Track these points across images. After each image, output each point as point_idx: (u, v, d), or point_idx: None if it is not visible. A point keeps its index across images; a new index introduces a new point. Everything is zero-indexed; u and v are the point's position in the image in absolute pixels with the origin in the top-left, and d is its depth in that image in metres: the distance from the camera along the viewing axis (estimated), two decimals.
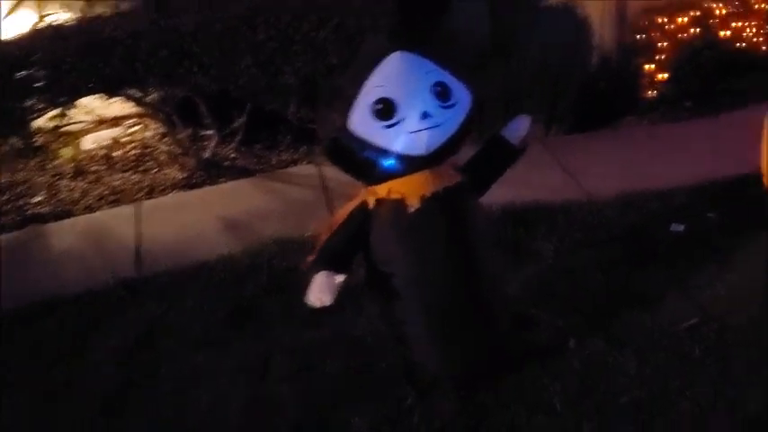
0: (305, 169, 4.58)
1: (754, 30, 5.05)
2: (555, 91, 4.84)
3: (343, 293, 2.19)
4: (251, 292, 3.20)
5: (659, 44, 4.90)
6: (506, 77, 4.92)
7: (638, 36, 5.00)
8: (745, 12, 5.04)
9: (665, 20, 4.90)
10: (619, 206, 3.70)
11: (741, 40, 5.02)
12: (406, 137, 2.17)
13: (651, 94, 4.97)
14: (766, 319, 2.50)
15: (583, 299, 2.94)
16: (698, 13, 4.89)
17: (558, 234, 3.54)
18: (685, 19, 4.88)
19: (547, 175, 4.22)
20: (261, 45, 4.23)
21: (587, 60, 5.15)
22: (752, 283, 2.77)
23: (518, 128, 2.52)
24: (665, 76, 4.93)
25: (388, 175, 2.24)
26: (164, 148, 5.09)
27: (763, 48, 5.02)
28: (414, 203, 2.23)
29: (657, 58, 4.92)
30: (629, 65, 4.99)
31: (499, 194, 3.75)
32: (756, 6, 5.11)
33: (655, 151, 4.39)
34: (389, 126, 2.16)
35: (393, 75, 2.20)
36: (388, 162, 2.21)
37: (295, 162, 4.73)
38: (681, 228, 3.34)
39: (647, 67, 4.95)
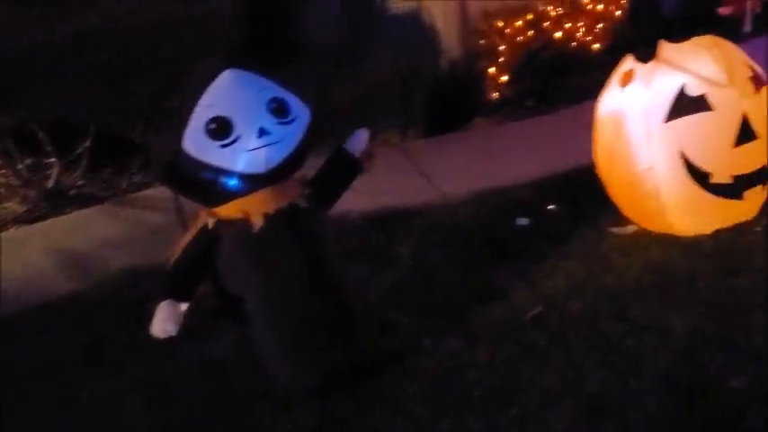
0: (158, 192, 4.42)
1: (584, 30, 5.42)
2: (407, 96, 4.97)
3: (199, 318, 2.12)
4: (102, 328, 3.04)
5: (499, 47, 5.15)
6: (359, 84, 5.00)
7: (480, 40, 5.23)
8: (575, 13, 5.40)
9: (503, 24, 5.15)
10: (472, 205, 3.85)
11: (574, 39, 5.37)
12: (244, 155, 2.15)
13: (496, 95, 5.22)
14: (599, 303, 2.69)
15: (441, 298, 3.03)
16: (532, 17, 5.17)
17: (417, 237, 3.63)
18: (521, 22, 5.15)
19: (405, 179, 4.33)
20: (99, 65, 4.05)
21: (436, 65, 5.33)
22: (586, 270, 2.97)
23: (358, 141, 2.57)
24: (507, 78, 5.18)
25: (230, 196, 2.21)
26: (1, 180, 4.74)
27: (594, 46, 5.40)
28: (258, 222, 2.22)
29: (499, 60, 5.16)
30: (473, 68, 5.20)
31: (359, 201, 3.83)
32: (587, 7, 5.49)
33: (503, 150, 4.62)
34: (226, 145, 2.14)
35: (226, 93, 2.18)
36: (228, 182, 2.18)
37: (147, 185, 4.55)
38: (526, 222, 3.52)
39: (490, 70, 5.18)
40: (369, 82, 5.00)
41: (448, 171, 4.37)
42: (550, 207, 3.65)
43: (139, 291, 3.19)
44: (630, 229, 3.25)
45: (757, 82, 2.91)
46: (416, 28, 5.87)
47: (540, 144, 4.54)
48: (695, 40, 2.93)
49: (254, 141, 2.14)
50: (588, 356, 2.42)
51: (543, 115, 5.06)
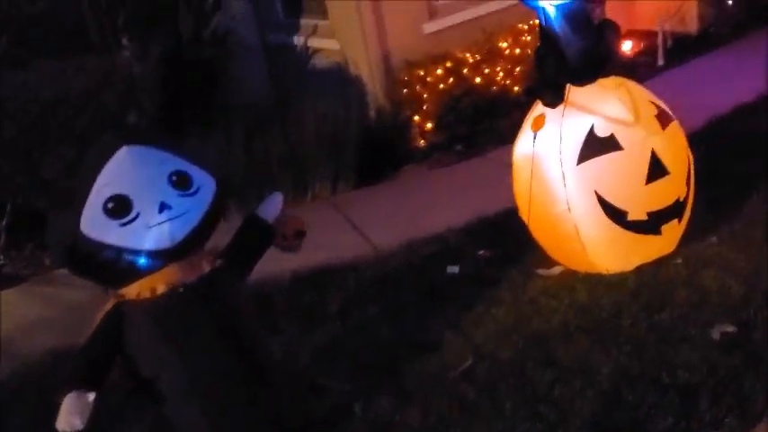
0: None
1: (504, 74, 5.54)
2: (336, 149, 4.97)
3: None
4: (20, 421, 2.87)
5: (423, 96, 5.21)
6: (288, 141, 4.98)
7: (404, 90, 5.29)
8: (494, 58, 5.52)
9: (424, 72, 5.23)
10: (403, 256, 3.83)
11: (494, 84, 5.48)
12: (146, 232, 2.07)
13: (423, 142, 5.27)
14: (528, 350, 2.67)
15: (373, 355, 2.97)
16: (452, 64, 5.27)
17: (349, 292, 3.59)
18: (441, 70, 5.24)
19: (336, 234, 4.29)
20: (13, 139, 3.94)
21: (363, 116, 5.36)
22: (515, 316, 2.96)
23: (272, 206, 2.52)
24: (432, 125, 5.25)
25: (135, 274, 2.13)
26: None
27: (514, 89, 5.52)
28: (166, 299, 2.13)
29: (423, 108, 5.22)
30: (399, 117, 5.26)
31: (290, 259, 3.75)
32: (505, 52, 5.61)
33: (433, 197, 4.64)
34: (126, 223, 2.06)
35: (123, 170, 2.11)
36: (132, 261, 2.10)
37: None
38: (456, 269, 3.51)
39: (415, 118, 5.23)
40: (297, 137, 4.99)
41: (379, 222, 4.36)
42: (481, 252, 3.66)
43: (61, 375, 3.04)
44: (557, 269, 3.27)
45: (663, 119, 2.98)
46: (342, 80, 5.93)
47: (468, 188, 4.58)
48: (601, 81, 3.01)
49: (155, 217, 2.07)
50: (517, 407, 2.38)
51: (472, 159, 5.12)
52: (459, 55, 5.39)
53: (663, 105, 3.07)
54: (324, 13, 6.03)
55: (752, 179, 3.68)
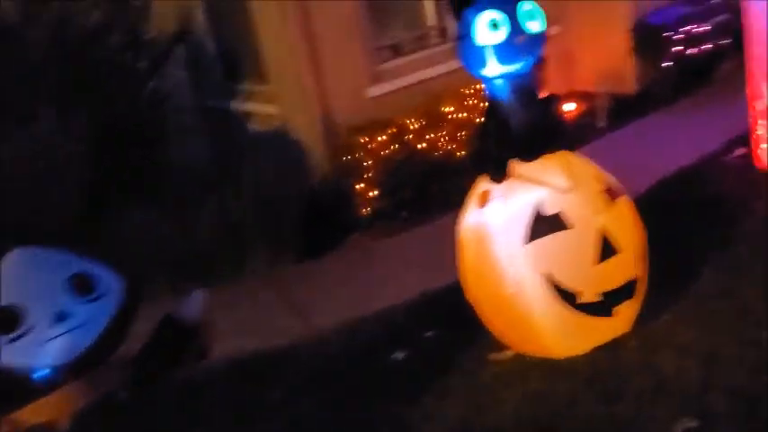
0: None
1: (448, 139, 5.45)
2: (277, 220, 4.75)
3: None
4: None
5: (365, 162, 5.06)
6: (226, 211, 4.75)
7: (346, 156, 5.13)
8: (437, 123, 5.43)
9: (367, 139, 5.09)
10: (344, 338, 3.60)
11: (438, 149, 5.38)
12: (40, 347, 1.81)
13: (367, 210, 5.10)
14: None
15: None
16: (394, 130, 5.15)
17: (286, 383, 3.32)
18: (384, 137, 5.11)
19: (274, 315, 4.05)
20: None
21: (305, 185, 5.18)
22: (465, 407, 2.74)
23: (193, 306, 2.27)
24: (376, 192, 5.09)
25: (29, 397, 1.85)
26: None
27: (458, 154, 5.42)
28: (65, 425, 1.85)
29: (366, 176, 5.07)
30: (342, 186, 5.08)
31: (225, 345, 3.48)
32: (449, 117, 5.53)
33: (378, 270, 4.44)
34: (16, 339, 1.79)
35: (14, 276, 1.86)
36: (25, 382, 1.82)
37: None
38: (401, 355, 3.29)
39: (358, 185, 5.07)
40: (234, 208, 4.77)
41: (320, 300, 4.14)
42: (428, 334, 3.45)
43: None
44: (508, 353, 3.08)
45: (612, 194, 2.86)
46: (284, 147, 5.76)
47: (415, 260, 4.39)
48: (546, 157, 2.88)
49: (51, 329, 1.81)
50: None
51: (419, 226, 4.96)
52: (403, 120, 5.28)
53: (611, 180, 2.96)
54: (264, 78, 5.88)
55: (700, 249, 3.59)
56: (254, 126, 6.12)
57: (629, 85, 6.73)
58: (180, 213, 4.66)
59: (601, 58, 6.81)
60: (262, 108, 6.00)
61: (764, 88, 4.37)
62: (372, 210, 5.11)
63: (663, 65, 6.46)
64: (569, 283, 2.73)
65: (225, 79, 6.53)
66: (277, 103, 5.78)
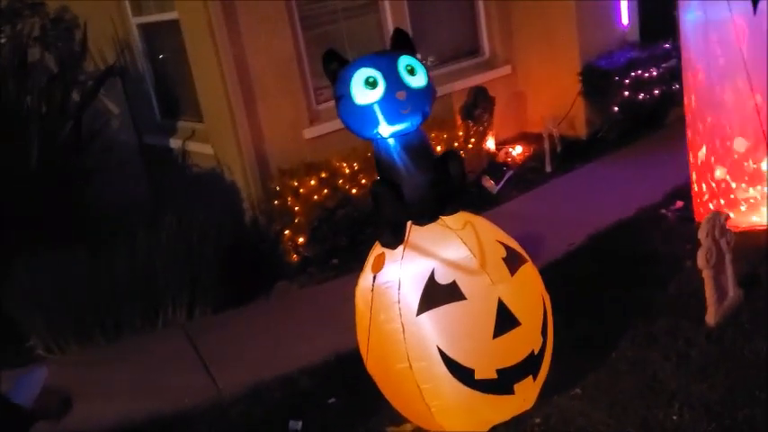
0: None
1: None
2: (198, 266, 4.51)
3: None
4: None
5: (296, 207, 4.86)
6: (142, 255, 4.49)
7: (277, 201, 4.93)
8: (370, 168, 5.24)
9: (297, 183, 4.90)
10: (247, 402, 3.38)
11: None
12: None
13: (297, 257, 4.89)
14: None
15: None
16: (325, 175, 4.96)
17: None
18: (315, 181, 4.92)
19: (180, 372, 3.80)
20: None
21: (233, 229, 4.96)
22: None
23: (30, 385, 2.04)
24: (305, 238, 4.88)
25: None
26: None
27: None
28: None
29: (295, 221, 4.86)
30: (272, 231, 4.87)
31: (117, 407, 3.24)
32: None
33: (297, 322, 4.20)
34: None
35: None
36: None
37: None
38: (299, 425, 3.07)
39: (288, 231, 4.86)
40: (153, 252, 4.52)
41: (230, 356, 3.90)
42: (331, 401, 3.23)
43: None
44: (408, 427, 2.87)
45: (513, 262, 2.68)
46: (216, 188, 5.55)
47: (335, 313, 4.14)
48: (445, 220, 2.70)
49: None
50: None
51: (348, 274, 4.74)
52: (338, 163, 5.09)
53: (514, 245, 2.78)
54: (199, 116, 5.69)
55: (619, 314, 3.44)
56: (188, 165, 5.91)
57: (579, 129, 6.64)
58: (94, 257, 4.40)
59: (550, 101, 6.72)
60: (197, 147, 5.80)
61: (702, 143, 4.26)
62: (302, 256, 4.89)
63: (612, 109, 6.38)
64: (463, 359, 2.54)
65: (163, 116, 6.33)
66: (211, 142, 5.58)
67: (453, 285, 2.55)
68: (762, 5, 3.84)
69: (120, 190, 5.93)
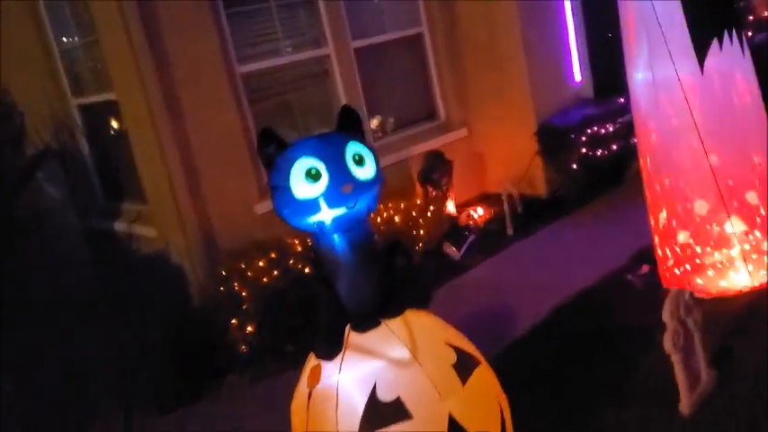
0: None
1: None
2: (136, 366, 4.18)
3: None
4: None
5: (244, 293, 4.57)
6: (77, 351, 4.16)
7: (223, 287, 4.64)
8: None
9: (245, 266, 4.63)
10: None
11: None
12: None
13: (247, 347, 4.57)
14: None
15: None
16: (276, 255, 4.70)
17: None
18: (263, 262, 4.66)
19: None
20: None
21: (177, 320, 4.66)
22: None
23: None
24: (255, 325, 4.58)
25: None
26: None
27: None
28: None
29: (243, 307, 4.57)
30: (218, 319, 4.57)
31: None
32: None
33: (241, 424, 3.89)
34: None
35: None
36: None
37: None
38: None
39: (235, 320, 4.56)
40: (86, 350, 4.19)
41: None
42: None
43: None
44: None
45: (465, 368, 2.42)
46: (161, 274, 5.26)
47: (284, 412, 3.85)
48: (389, 323, 2.44)
49: None
50: None
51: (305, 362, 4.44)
52: (289, 240, 4.85)
53: (465, 345, 2.52)
54: (144, 198, 5.43)
55: (595, 394, 3.19)
56: (133, 250, 5.62)
57: (539, 188, 6.50)
58: (22, 353, 4.07)
59: (509, 161, 6.60)
60: (142, 230, 5.52)
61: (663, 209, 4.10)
62: (252, 345, 4.58)
63: (570, 167, 6.26)
64: None
65: (106, 198, 6.05)
66: (155, 224, 5.32)
67: (398, 402, 2.28)
68: (709, 63, 3.73)
69: (58, 279, 5.60)
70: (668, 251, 4.08)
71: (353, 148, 2.42)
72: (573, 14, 6.46)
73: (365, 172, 2.41)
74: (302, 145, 2.41)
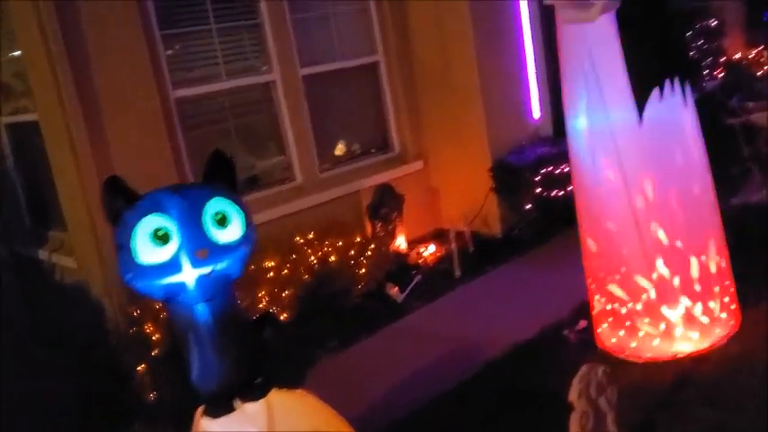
0: None
1: (268, 299, 4.73)
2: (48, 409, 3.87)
3: None
4: None
5: (155, 337, 4.26)
6: None
7: (133, 329, 4.33)
8: (254, 281, 4.72)
9: (159, 306, 4.32)
10: None
11: (254, 312, 4.64)
12: None
13: (154, 395, 4.25)
14: None
15: None
16: None
17: None
18: None
19: None
20: None
21: (89, 361, 4.34)
22: None
23: None
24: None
25: None
26: None
27: (283, 316, 4.70)
28: None
29: (155, 353, 4.25)
30: (123, 365, 4.26)
31: None
32: (269, 274, 4.83)
33: None
34: None
35: None
36: None
37: None
38: None
39: (142, 365, 4.24)
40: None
41: None
42: None
43: None
44: None
45: None
46: (80, 310, 4.94)
47: None
48: (247, 408, 2.15)
49: None
50: None
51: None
52: None
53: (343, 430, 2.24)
54: (65, 225, 5.12)
55: None
56: (56, 281, 5.30)
57: (494, 227, 6.24)
58: None
59: (464, 197, 6.34)
60: (64, 260, 5.20)
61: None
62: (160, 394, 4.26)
63: (524, 206, 6.01)
64: None
65: (33, 225, 5.74)
66: (76, 254, 5.01)
67: None
68: (649, 113, 3.49)
69: None
70: (602, 310, 3.81)
71: (216, 204, 2.14)
72: (534, 50, 6.23)
73: (227, 234, 2.13)
74: (153, 199, 2.12)
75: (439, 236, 6.44)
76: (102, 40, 4.67)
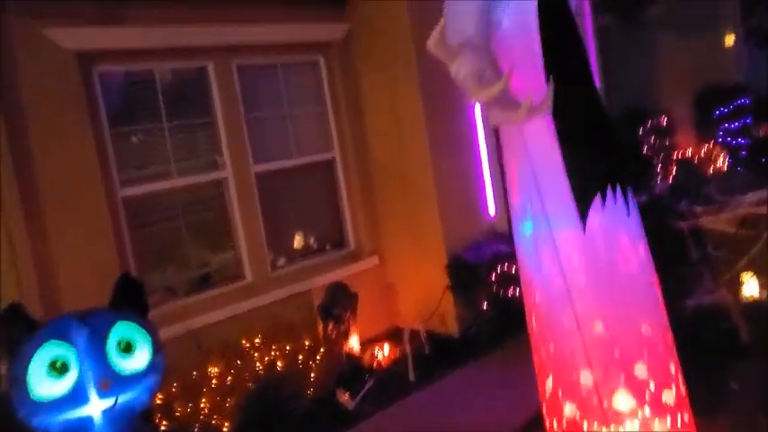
0: None
1: (210, 408, 4.50)
2: None
3: None
4: None
5: None
6: None
7: None
8: (199, 389, 4.50)
9: None
10: None
11: (198, 420, 4.40)
12: None
13: None
14: None
15: None
16: None
17: None
18: None
19: None
20: None
21: None
22: None
23: None
24: None
25: None
26: None
27: (225, 426, 4.45)
28: None
29: None
30: None
31: None
32: (213, 382, 4.61)
33: None
34: None
35: None
36: None
37: None
38: None
39: None
40: None
41: None
42: None
43: None
44: None
45: None
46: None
47: None
48: None
49: None
50: None
51: None
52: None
53: None
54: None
55: None
56: None
57: (450, 326, 6.10)
58: None
59: (420, 294, 6.23)
60: None
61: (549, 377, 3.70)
62: None
63: (481, 305, 5.90)
64: None
65: None
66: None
67: None
68: (592, 222, 3.45)
69: None
70: (555, 423, 3.65)
71: (121, 330, 2.00)
72: (487, 149, 6.29)
73: (133, 362, 1.99)
74: (54, 326, 1.99)
75: (394, 334, 6.27)
76: (45, 141, 4.61)
